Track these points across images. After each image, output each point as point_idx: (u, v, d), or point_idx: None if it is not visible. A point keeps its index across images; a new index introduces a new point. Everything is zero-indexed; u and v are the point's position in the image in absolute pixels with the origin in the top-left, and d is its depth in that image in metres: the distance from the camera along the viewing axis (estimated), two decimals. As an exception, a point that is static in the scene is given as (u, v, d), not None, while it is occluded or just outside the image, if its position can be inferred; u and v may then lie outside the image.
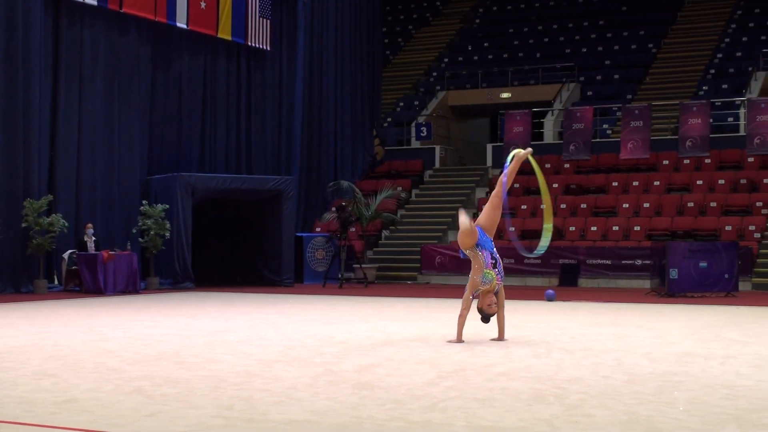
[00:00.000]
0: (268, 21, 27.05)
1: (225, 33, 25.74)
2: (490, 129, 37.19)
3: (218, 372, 8.59)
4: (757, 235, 24.62)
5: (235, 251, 25.58)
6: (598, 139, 29.40)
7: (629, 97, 32.34)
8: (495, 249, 11.10)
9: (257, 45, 26.77)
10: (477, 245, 10.90)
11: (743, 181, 26.48)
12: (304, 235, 26.55)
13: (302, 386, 7.78)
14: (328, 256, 26.00)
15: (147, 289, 22.17)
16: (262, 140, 27.39)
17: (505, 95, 33.99)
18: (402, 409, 6.81)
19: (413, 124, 32.90)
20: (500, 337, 11.19)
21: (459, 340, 11.00)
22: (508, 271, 25.63)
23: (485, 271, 10.71)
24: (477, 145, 34.73)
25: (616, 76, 34.25)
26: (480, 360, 9.51)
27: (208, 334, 12.07)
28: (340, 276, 24.20)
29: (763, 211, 25.44)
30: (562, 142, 28.56)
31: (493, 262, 10.95)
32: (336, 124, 30.22)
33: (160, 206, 22.41)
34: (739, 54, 33.44)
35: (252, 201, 24.86)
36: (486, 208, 11.19)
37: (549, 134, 31.60)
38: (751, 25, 35.16)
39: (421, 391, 7.53)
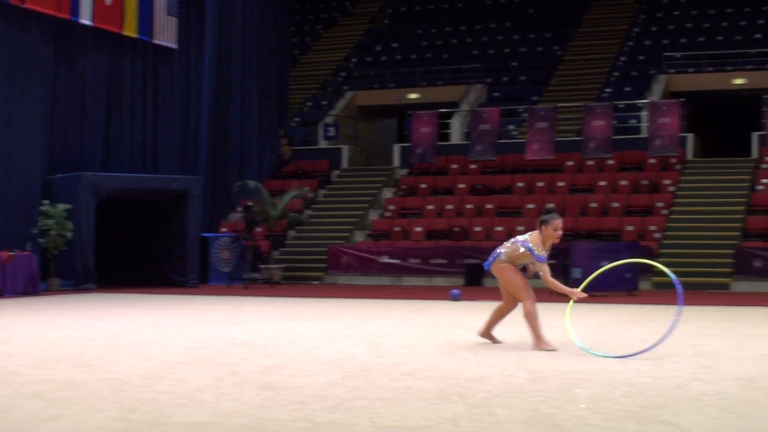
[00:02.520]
0: (175, 19, 26.77)
1: (131, 30, 25.39)
2: (397, 129, 37.35)
3: (121, 374, 8.49)
4: (658, 235, 25.13)
5: (139, 252, 25.25)
6: (504, 140, 29.72)
7: (535, 98, 32.75)
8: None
9: (164, 43, 26.47)
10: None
11: (644, 182, 27.02)
12: (209, 235, 26.34)
13: (206, 388, 7.72)
14: (233, 257, 25.83)
15: (48, 291, 21.76)
16: (168, 139, 27.08)
17: (412, 96, 34.16)
18: (306, 409, 6.80)
19: (321, 124, 32.88)
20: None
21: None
22: (414, 271, 25.88)
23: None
24: (384, 146, 34.86)
25: (523, 78, 34.66)
26: (385, 360, 9.55)
27: (110, 336, 11.91)
28: (245, 276, 24.06)
29: (663, 212, 26.01)
30: (468, 142, 28.81)
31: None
32: (243, 124, 30.03)
33: (61, 206, 22.02)
34: (641, 57, 34.09)
35: (157, 201, 24.58)
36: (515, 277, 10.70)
37: (456, 135, 31.85)
38: (654, 29, 35.89)
39: (325, 392, 7.53)
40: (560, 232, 10.36)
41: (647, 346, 9.93)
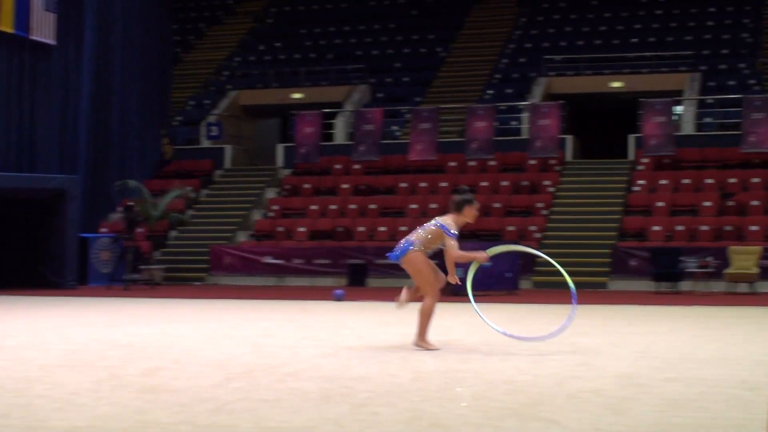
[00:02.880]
0: (54, 14, 26.20)
1: (6, 25, 24.76)
2: (281, 129, 37.21)
3: (-5, 378, 8.28)
4: (538, 235, 25.56)
5: (15, 252, 24.61)
6: (387, 141, 29.87)
7: (418, 99, 32.98)
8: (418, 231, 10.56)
9: (42, 39, 25.87)
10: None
11: (525, 183, 27.47)
12: (89, 235, 25.85)
13: (85, 391, 7.58)
14: (114, 258, 25.38)
15: None
16: (46, 137, 26.48)
17: (296, 96, 34.08)
18: (188, 412, 6.73)
19: (204, 124, 32.56)
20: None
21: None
22: (297, 272, 25.83)
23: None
24: (268, 146, 34.69)
25: (406, 79, 34.87)
26: (268, 361, 9.51)
27: (-15, 339, 11.60)
28: (126, 278, 23.69)
29: (543, 212, 26.48)
30: (352, 143, 28.86)
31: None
32: (124, 122, 29.55)
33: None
34: (522, 60, 34.62)
35: (34, 200, 24.02)
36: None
37: (339, 135, 31.88)
38: (534, 32, 36.47)
39: (207, 394, 7.46)
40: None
41: (555, 329, 10.48)
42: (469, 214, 10.55)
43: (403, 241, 10.57)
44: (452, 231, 10.36)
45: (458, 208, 10.53)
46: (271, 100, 34.68)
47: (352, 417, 6.57)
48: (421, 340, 10.42)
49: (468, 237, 25.29)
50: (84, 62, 27.70)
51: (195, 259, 27.22)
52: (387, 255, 10.66)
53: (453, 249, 10.34)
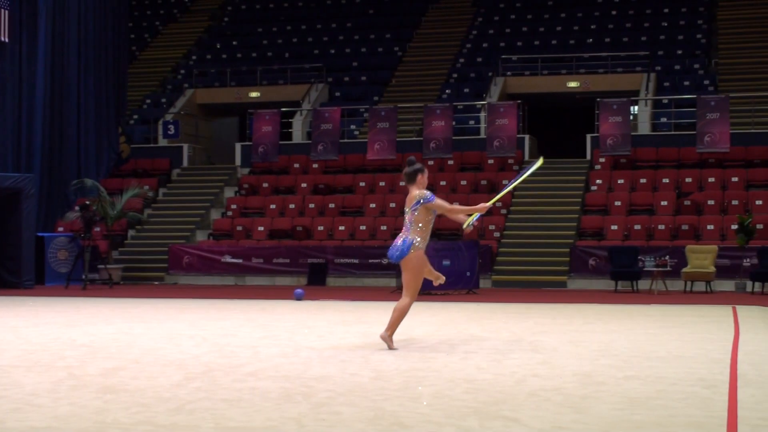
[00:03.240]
0: (6, 11, 25.92)
1: (-42, 23, 24.50)
2: (239, 128, 37.09)
3: (-49, 379, 8.18)
4: (497, 234, 25.66)
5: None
6: (345, 140, 29.87)
7: (376, 98, 33.00)
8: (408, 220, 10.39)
9: (-6, 36, 25.63)
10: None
11: (484, 182, 27.55)
12: (45, 235, 25.61)
13: (43, 392, 7.51)
14: (71, 257, 25.18)
15: None
16: (0, 136, 26.22)
17: (254, 94, 33.98)
18: (148, 412, 6.70)
19: (161, 122, 32.36)
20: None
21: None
22: (256, 271, 25.76)
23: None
24: (226, 144, 34.58)
25: (364, 78, 34.87)
26: (228, 360, 9.47)
27: (-60, 340, 11.46)
28: (84, 277, 23.50)
29: (503, 211, 26.58)
30: (310, 142, 28.83)
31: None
32: (80, 121, 29.29)
33: None
34: (479, 59, 34.73)
35: (-11, 199, 23.78)
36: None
37: (298, 134, 31.84)
38: (491, 32, 36.60)
39: (168, 394, 7.43)
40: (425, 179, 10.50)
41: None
42: (423, 181, 10.45)
43: (400, 240, 10.36)
44: (428, 196, 10.29)
45: (412, 179, 10.45)
46: (228, 99, 34.56)
47: (313, 416, 6.57)
48: (388, 335, 10.37)
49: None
50: (38, 60, 27.44)
51: (153, 259, 27.05)
52: (388, 255, 10.46)
53: (447, 206, 10.52)
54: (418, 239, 10.30)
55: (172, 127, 31.50)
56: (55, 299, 20.01)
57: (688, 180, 26.63)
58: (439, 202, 10.37)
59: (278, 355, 9.96)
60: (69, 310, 16.77)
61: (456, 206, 10.54)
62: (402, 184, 10.55)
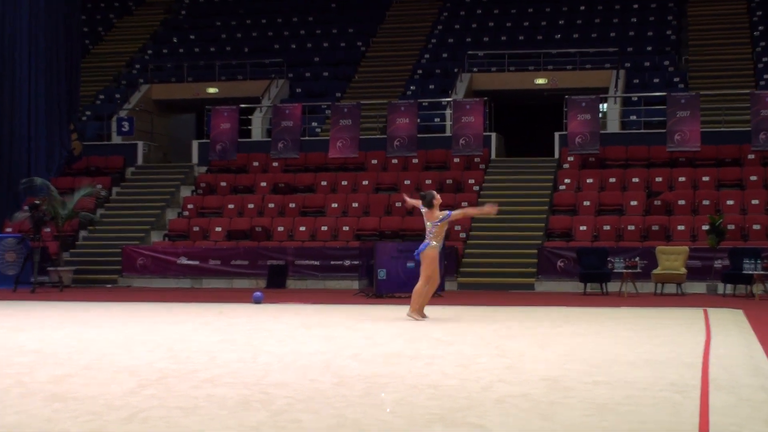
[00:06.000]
0: (-47, 3, 25.68)
1: None
2: (196, 125, 36.93)
3: None
4: (463, 235, 25.69)
5: None
6: (307, 137, 29.83)
7: (338, 95, 32.96)
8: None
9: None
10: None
11: (449, 182, 27.58)
12: (-7, 235, 25.41)
13: (-11, 400, 7.41)
14: (19, 259, 24.94)
15: None
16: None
17: (212, 90, 33.84)
18: (99, 420, 6.62)
19: (114, 119, 32.14)
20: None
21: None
22: (214, 273, 25.64)
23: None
24: (182, 142, 34.41)
25: (326, 74, 34.82)
26: (184, 366, 9.40)
27: None
28: (33, 280, 23.29)
29: (468, 212, 26.56)
30: (270, 139, 28.76)
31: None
32: (30, 117, 29.05)
33: None
34: (445, 55, 34.79)
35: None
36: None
37: (257, 131, 31.75)
38: (457, 27, 36.67)
39: (120, 401, 7.35)
40: (438, 202, 14.69)
41: None
42: (438, 200, 14.68)
43: (423, 244, 14.58)
44: (448, 213, 14.61)
45: (431, 204, 14.55)
46: (185, 95, 34.40)
47: (272, 424, 6.52)
48: (411, 311, 14.53)
49: (391, 237, 25.41)
50: (-13, 54, 27.22)
51: (106, 261, 26.86)
52: (414, 255, 14.98)
53: (459, 213, 15.32)
54: (434, 243, 14.53)
55: (126, 123, 31.29)
56: (3, 303, 19.81)
57: (659, 179, 26.81)
58: (455, 213, 14.82)
59: (236, 360, 9.89)
60: (17, 314, 16.61)
61: (466, 210, 16.89)
62: (422, 210, 14.80)
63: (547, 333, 12.96)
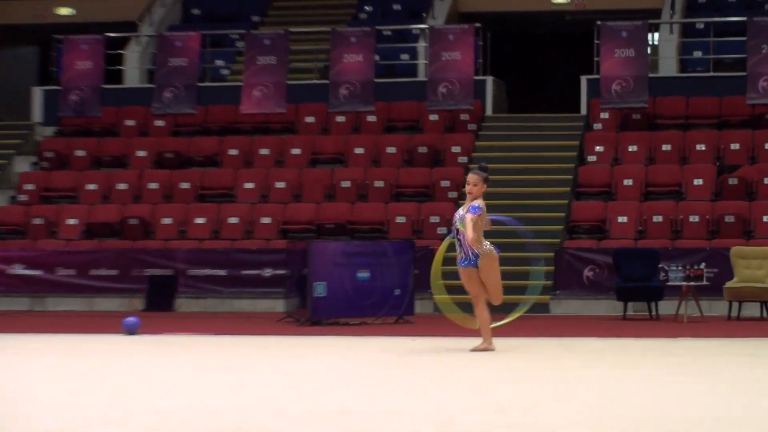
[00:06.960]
0: None
1: None
2: (39, 64, 36.72)
3: None
4: (443, 231, 25.58)
5: None
6: (208, 83, 29.70)
7: (256, 19, 32.83)
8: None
9: None
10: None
11: (423, 150, 27.46)
12: None
13: None
14: None
15: None
16: None
17: (64, 11, 33.64)
18: None
19: None
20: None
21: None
22: (65, 289, 25.43)
23: None
24: (18, 89, 34.18)
25: (237, -12, 34.73)
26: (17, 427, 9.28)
27: None
28: None
29: (451, 194, 26.46)
30: (153, 86, 28.60)
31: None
32: None
33: None
34: (417, -39, 34.78)
35: None
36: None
37: (133, 74, 31.59)
38: None
39: None
40: (469, 187, 15.37)
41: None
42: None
43: (468, 252, 15.48)
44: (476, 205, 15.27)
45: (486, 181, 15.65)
46: (23, 19, 34.19)
47: None
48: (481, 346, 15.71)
49: (334, 234, 25.33)
50: None
51: None
52: (461, 263, 15.70)
53: (471, 224, 15.29)
54: (487, 247, 15.84)
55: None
56: None
57: (734, 147, 26.85)
58: (471, 216, 15.29)
59: (100, 421, 9.76)
60: None
61: (475, 235, 15.52)
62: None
63: (568, 377, 12.95)
